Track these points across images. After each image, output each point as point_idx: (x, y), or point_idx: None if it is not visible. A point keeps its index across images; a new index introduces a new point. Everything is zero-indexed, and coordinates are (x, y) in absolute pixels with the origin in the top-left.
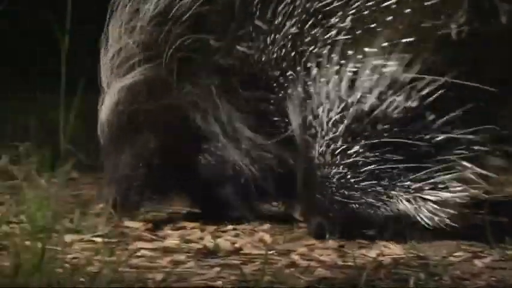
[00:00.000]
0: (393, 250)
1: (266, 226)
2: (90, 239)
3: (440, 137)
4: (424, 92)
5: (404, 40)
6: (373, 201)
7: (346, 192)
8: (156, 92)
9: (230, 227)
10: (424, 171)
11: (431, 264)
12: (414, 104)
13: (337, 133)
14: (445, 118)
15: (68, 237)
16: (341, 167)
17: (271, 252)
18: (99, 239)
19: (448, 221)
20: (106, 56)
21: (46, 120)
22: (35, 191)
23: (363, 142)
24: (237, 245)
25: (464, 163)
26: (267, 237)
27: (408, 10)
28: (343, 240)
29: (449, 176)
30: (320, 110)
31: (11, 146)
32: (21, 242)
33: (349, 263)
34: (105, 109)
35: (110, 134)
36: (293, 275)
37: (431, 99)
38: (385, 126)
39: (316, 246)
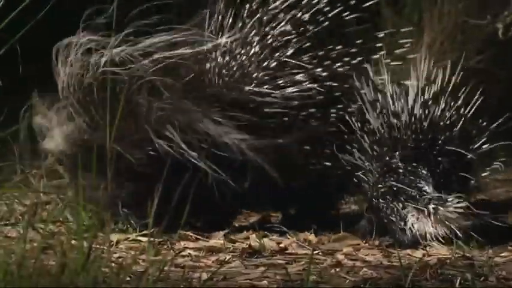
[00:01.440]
0: (439, 250)
1: (311, 226)
2: (135, 238)
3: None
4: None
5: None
6: (394, 213)
7: (374, 201)
8: None
9: (275, 226)
10: (444, 187)
11: (476, 264)
12: (456, 116)
13: (376, 140)
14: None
15: (114, 237)
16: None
17: (316, 252)
18: (144, 238)
19: (456, 233)
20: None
21: None
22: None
23: (399, 151)
24: (282, 245)
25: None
26: (312, 237)
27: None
28: (388, 240)
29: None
30: (364, 115)
31: None
32: (67, 241)
33: (395, 263)
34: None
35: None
36: (338, 274)
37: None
38: (426, 137)
39: (361, 246)
